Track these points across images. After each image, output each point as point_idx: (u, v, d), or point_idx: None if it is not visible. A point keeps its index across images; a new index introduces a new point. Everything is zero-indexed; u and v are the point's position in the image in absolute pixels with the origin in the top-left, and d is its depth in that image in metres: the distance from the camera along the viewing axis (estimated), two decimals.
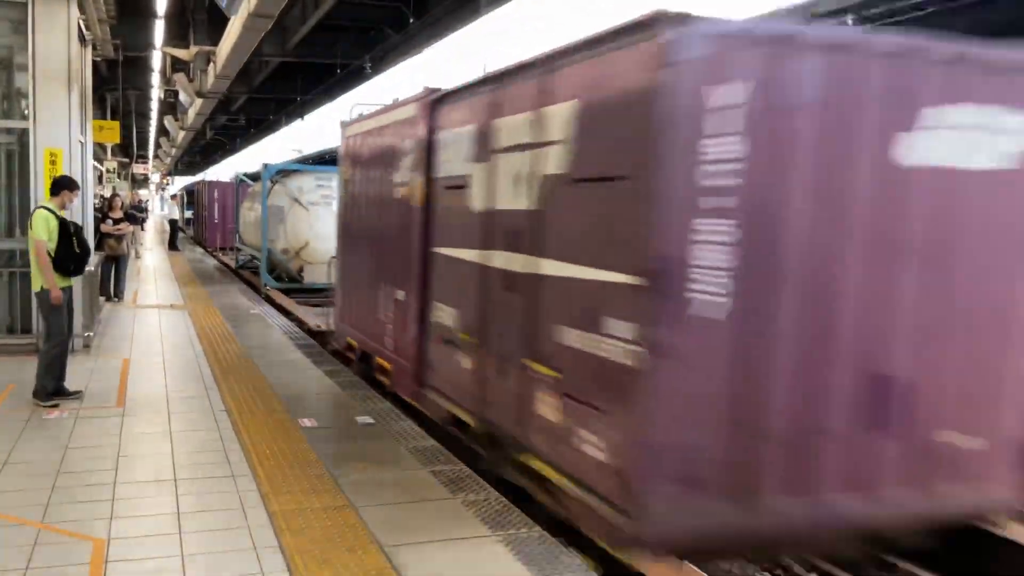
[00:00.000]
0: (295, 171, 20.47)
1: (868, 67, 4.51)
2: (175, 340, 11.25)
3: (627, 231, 4.48)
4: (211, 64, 19.22)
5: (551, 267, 5.25)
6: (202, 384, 8.59)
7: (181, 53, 19.54)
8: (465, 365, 6.56)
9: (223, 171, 49.40)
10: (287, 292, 18.41)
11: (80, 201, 9.77)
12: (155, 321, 12.94)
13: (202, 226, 34.54)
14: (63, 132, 9.96)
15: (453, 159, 7.00)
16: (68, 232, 7.69)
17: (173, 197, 48.60)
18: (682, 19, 4.19)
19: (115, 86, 22.46)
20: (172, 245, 30.94)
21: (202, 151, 57.28)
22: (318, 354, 10.42)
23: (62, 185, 8.01)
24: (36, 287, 7.67)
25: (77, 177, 8.87)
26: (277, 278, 19.50)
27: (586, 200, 4.93)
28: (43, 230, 7.50)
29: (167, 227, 34.87)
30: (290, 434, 6.76)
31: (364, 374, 9.24)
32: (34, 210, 7.78)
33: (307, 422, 7.13)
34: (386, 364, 8.55)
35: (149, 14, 17.52)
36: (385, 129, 8.90)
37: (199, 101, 22.36)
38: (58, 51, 9.87)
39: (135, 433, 6.78)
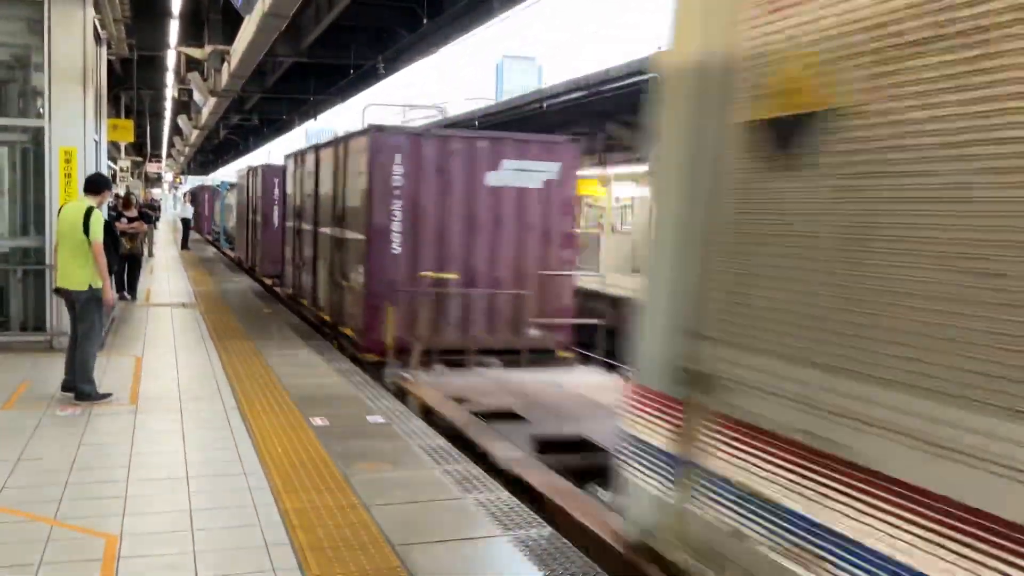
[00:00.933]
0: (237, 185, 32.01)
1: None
2: (186, 339, 11.30)
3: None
4: (225, 63, 19.30)
5: None
6: (214, 382, 8.63)
7: (195, 52, 19.63)
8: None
9: (236, 171, 50.67)
10: (232, 248, 31.13)
11: None
12: (167, 320, 13.01)
13: (199, 218, 45.35)
14: (78, 131, 10.01)
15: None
16: (114, 234, 7.71)
17: (184, 196, 49.02)
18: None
19: (129, 85, 22.56)
20: (184, 245, 31.09)
21: (215, 150, 57.49)
22: (327, 351, 10.46)
23: (104, 184, 8.00)
24: (81, 286, 7.55)
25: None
26: (229, 243, 33.19)
27: None
28: (100, 230, 7.51)
29: (179, 226, 35.21)
30: (301, 433, 6.79)
31: (241, 266, 22.99)
32: (88, 210, 7.53)
33: (318, 421, 7.15)
34: (243, 258, 24.09)
35: (164, 13, 17.60)
36: (243, 179, 25.27)
37: (213, 100, 22.46)
38: (74, 50, 9.92)
39: (148, 431, 6.82)
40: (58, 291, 7.83)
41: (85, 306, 7.66)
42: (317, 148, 13.51)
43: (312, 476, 5.73)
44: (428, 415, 7.75)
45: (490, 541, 4.73)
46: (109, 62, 13.94)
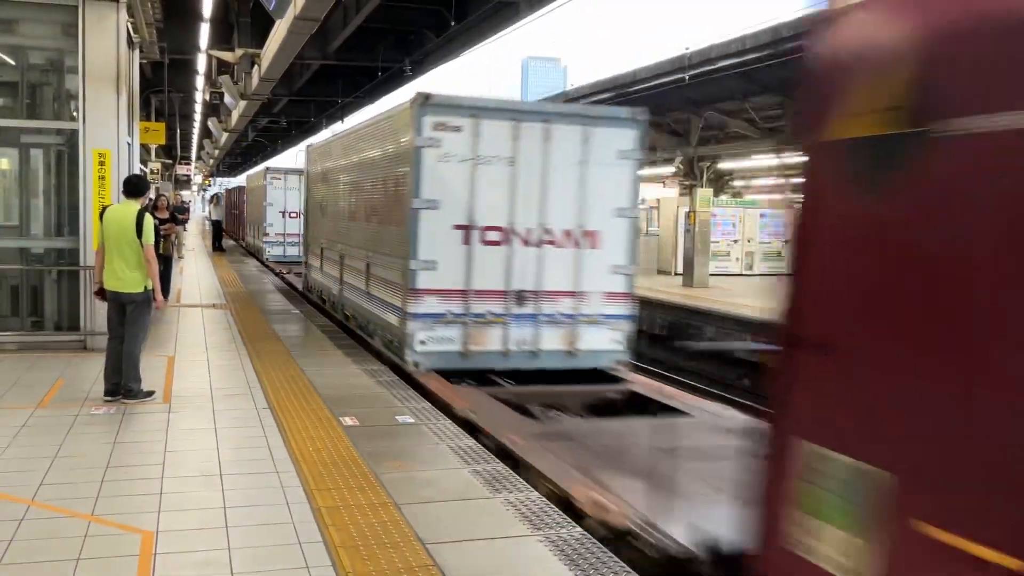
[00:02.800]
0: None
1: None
2: (218, 338, 11.41)
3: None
4: (255, 66, 19.44)
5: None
6: (245, 382, 8.70)
7: (227, 56, 19.78)
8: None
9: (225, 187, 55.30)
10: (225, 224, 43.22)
11: None
12: (198, 319, 13.14)
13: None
14: (111, 133, 10.14)
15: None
16: (159, 235, 7.80)
17: (212, 199, 49.81)
18: None
19: (160, 88, 22.82)
20: (216, 246, 31.46)
21: (244, 153, 57.99)
22: (356, 353, 10.52)
23: (145, 186, 8.09)
24: (136, 288, 7.62)
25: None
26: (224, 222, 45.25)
27: None
28: (152, 233, 7.60)
29: (208, 228, 35.92)
30: (332, 432, 6.84)
31: (240, 247, 35.71)
32: (140, 213, 7.60)
33: (348, 420, 7.19)
34: (232, 230, 41.86)
35: (195, 17, 17.76)
36: (228, 192, 49.23)
37: (243, 103, 22.65)
38: (107, 54, 10.06)
39: (181, 429, 6.90)
40: (103, 293, 7.84)
41: (138, 309, 7.73)
42: (236, 188, 44.33)
43: (344, 475, 5.77)
44: None
45: (521, 541, 4.74)
46: (140, 65, 14.11)
